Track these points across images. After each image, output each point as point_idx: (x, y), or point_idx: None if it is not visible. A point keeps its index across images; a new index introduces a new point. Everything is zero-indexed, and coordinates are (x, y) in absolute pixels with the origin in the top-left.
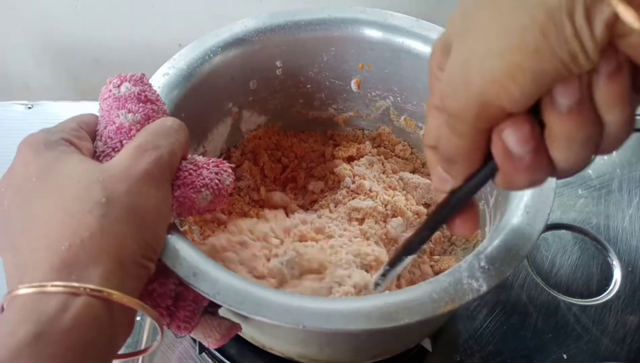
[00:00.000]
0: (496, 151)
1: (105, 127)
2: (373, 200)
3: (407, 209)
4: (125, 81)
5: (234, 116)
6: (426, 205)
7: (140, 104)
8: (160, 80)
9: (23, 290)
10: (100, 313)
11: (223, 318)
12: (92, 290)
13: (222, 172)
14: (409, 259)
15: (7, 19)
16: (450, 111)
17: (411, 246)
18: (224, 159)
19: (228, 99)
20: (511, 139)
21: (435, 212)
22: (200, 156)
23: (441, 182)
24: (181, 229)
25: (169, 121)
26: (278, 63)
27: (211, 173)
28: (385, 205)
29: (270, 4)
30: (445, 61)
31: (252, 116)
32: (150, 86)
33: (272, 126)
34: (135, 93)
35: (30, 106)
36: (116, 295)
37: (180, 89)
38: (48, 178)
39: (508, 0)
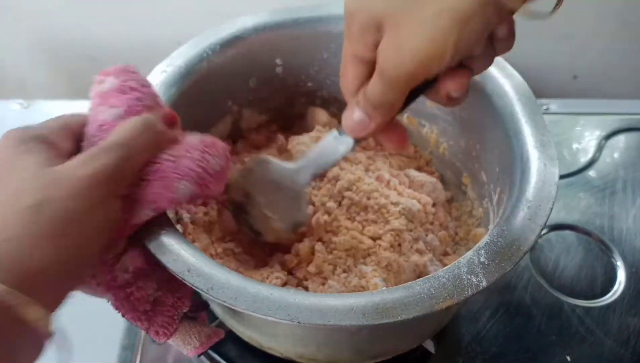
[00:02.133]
0: (439, 96)
1: (90, 126)
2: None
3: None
4: (109, 75)
5: (233, 115)
6: (432, 205)
7: (122, 96)
8: (158, 77)
9: None
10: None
11: (203, 325)
12: None
13: (209, 157)
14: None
15: (2, 18)
16: (392, 76)
17: None
18: None
19: (227, 97)
20: (452, 88)
21: None
22: (197, 136)
23: (360, 124)
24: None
25: (139, 122)
26: (278, 61)
27: (193, 160)
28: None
29: (270, 1)
30: (374, 33)
31: (252, 114)
32: (134, 73)
33: (274, 124)
34: (117, 85)
35: (27, 105)
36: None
37: (178, 87)
38: (4, 172)
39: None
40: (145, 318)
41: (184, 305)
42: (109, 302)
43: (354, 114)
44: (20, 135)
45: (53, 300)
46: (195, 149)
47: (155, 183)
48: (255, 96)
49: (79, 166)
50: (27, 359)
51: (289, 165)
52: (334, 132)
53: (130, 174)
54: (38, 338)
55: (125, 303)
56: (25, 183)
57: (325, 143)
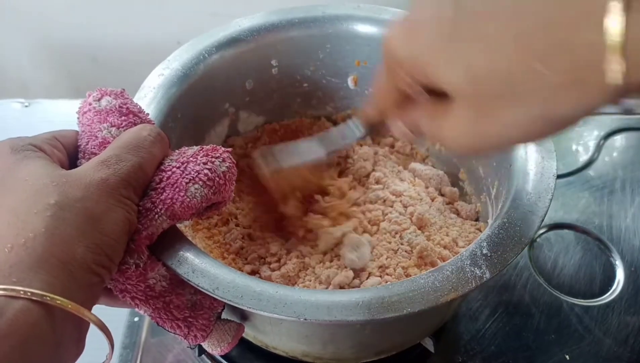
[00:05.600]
0: None
1: (87, 143)
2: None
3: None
4: (106, 94)
5: (230, 117)
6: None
7: (123, 117)
8: (155, 81)
9: None
10: (40, 321)
11: (230, 320)
12: (32, 294)
13: (214, 160)
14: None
15: (4, 17)
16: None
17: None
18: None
19: (224, 99)
20: None
21: None
22: (193, 147)
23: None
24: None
25: (145, 131)
26: (273, 62)
27: (198, 164)
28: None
29: (268, 2)
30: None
31: (249, 116)
32: (131, 100)
33: (270, 126)
34: (117, 106)
35: (27, 104)
36: (60, 301)
37: (176, 90)
38: (5, 180)
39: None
40: (185, 325)
41: (220, 305)
42: (146, 314)
43: (402, 130)
44: (11, 144)
45: (87, 299)
46: (198, 155)
47: (167, 189)
48: (252, 97)
49: (91, 172)
50: (72, 351)
51: (308, 140)
52: (355, 120)
53: (142, 181)
54: (79, 332)
55: (163, 313)
56: (39, 184)
57: (344, 127)
